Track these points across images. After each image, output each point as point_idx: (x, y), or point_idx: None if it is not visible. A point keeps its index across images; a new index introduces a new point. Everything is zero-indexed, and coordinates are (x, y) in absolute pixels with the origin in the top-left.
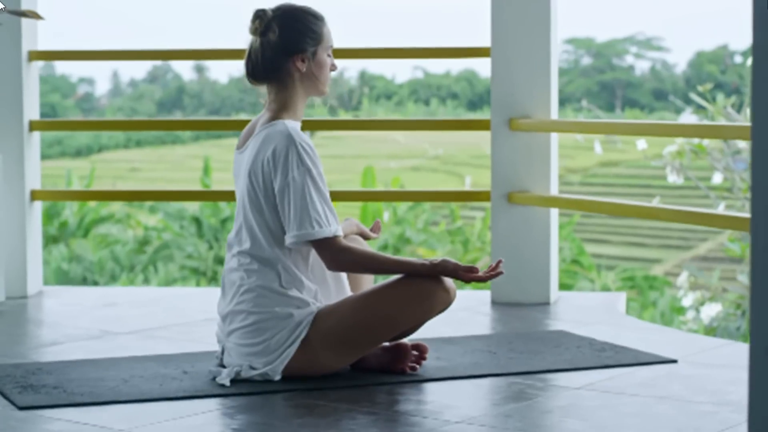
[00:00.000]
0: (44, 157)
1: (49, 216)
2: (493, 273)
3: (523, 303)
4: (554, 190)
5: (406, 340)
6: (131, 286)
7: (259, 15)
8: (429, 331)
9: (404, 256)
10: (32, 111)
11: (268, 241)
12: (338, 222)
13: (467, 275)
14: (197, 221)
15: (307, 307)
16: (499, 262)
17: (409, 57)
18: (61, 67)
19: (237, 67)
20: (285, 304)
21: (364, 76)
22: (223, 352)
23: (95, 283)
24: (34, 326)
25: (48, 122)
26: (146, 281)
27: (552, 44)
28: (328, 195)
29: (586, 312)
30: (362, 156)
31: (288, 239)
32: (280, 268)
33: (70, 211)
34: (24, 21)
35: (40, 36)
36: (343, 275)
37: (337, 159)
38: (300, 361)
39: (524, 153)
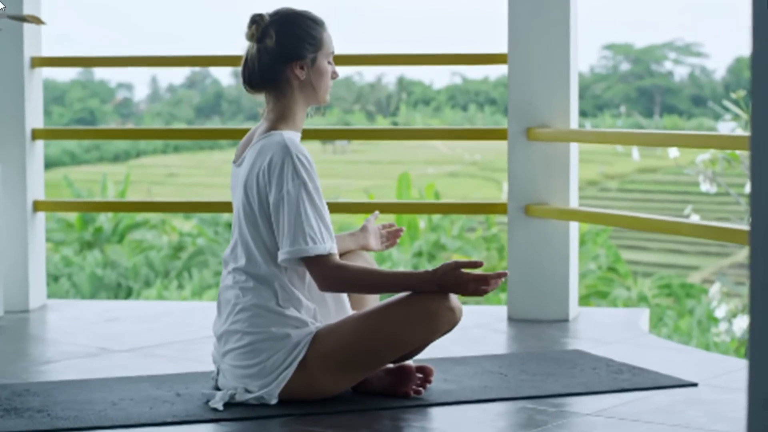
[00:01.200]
0: (82, 162)
1: (84, 222)
2: (495, 279)
3: (540, 320)
4: (574, 202)
5: (410, 362)
6: (160, 294)
7: (256, 20)
8: (439, 350)
9: (409, 269)
10: (35, 119)
11: (264, 258)
12: (333, 239)
13: (470, 287)
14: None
15: (305, 328)
16: (503, 274)
17: (423, 63)
18: (100, 72)
19: None
20: (282, 324)
21: (402, 82)
22: (218, 374)
23: (129, 289)
24: (31, 343)
25: (51, 131)
26: (180, 287)
27: (572, 50)
28: (324, 210)
29: (606, 329)
30: (400, 162)
31: (281, 255)
32: (277, 286)
33: (105, 216)
34: (26, 26)
35: (45, 42)
36: (344, 294)
37: (375, 165)
38: (297, 384)
39: (542, 164)
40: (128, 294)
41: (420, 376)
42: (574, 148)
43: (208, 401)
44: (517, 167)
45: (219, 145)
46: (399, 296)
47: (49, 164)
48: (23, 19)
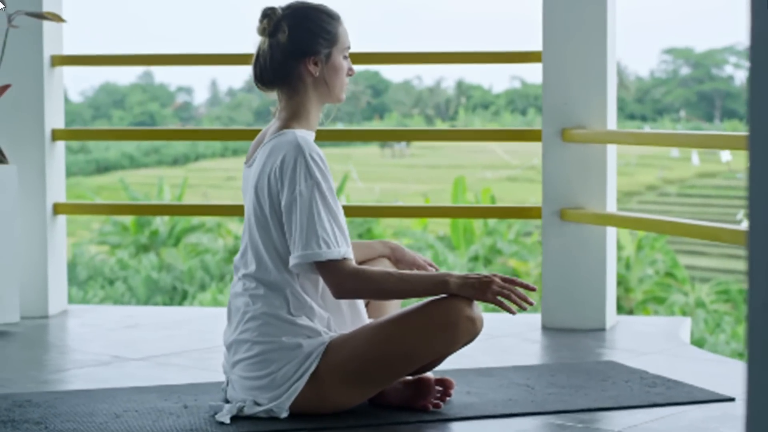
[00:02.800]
0: (141, 165)
1: (140, 225)
2: (521, 286)
3: (576, 329)
4: (611, 206)
5: (430, 374)
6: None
7: (268, 14)
8: (465, 360)
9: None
10: (56, 119)
11: (275, 264)
12: (348, 243)
13: (494, 286)
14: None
15: (317, 337)
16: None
17: (454, 62)
18: (160, 76)
19: None
20: (293, 333)
21: (461, 86)
22: (228, 385)
23: (184, 292)
24: (43, 350)
25: (72, 131)
26: None
27: (609, 47)
28: (339, 212)
29: (644, 339)
30: (459, 166)
31: (292, 260)
32: (289, 294)
33: (161, 220)
34: (46, 24)
35: (69, 41)
36: (361, 301)
37: (434, 169)
38: (309, 396)
39: (578, 166)
40: (183, 297)
41: (439, 388)
42: (612, 150)
43: (215, 414)
44: (552, 170)
45: None
46: (416, 305)
47: (108, 167)
48: (41, 16)
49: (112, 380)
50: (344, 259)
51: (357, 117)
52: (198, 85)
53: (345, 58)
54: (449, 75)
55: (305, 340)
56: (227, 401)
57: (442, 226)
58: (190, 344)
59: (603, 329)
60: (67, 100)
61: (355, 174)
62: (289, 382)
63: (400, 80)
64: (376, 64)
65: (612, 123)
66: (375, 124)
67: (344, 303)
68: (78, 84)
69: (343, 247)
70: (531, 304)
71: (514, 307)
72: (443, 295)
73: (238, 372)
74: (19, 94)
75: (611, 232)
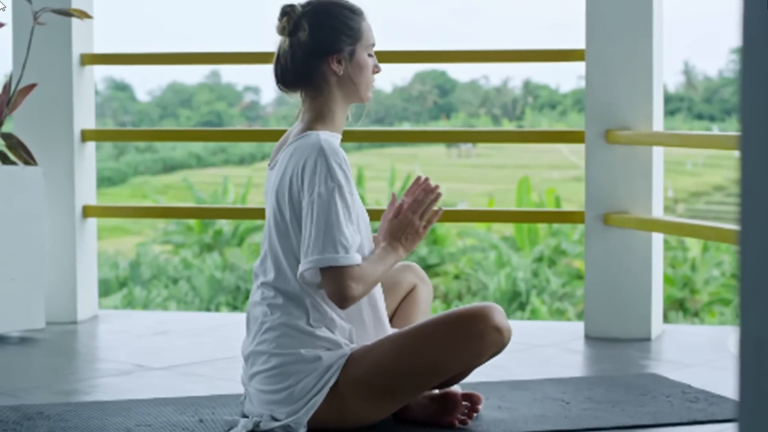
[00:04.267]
0: (208, 164)
1: (204, 224)
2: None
3: (620, 338)
4: (657, 211)
5: (457, 388)
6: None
7: (287, 12)
8: (499, 371)
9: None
10: (85, 119)
11: (295, 272)
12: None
13: (416, 223)
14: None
15: (338, 349)
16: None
17: (495, 60)
18: (227, 75)
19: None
20: (312, 345)
21: (528, 86)
22: (245, 398)
23: (248, 292)
24: (65, 358)
25: (102, 132)
26: None
27: (655, 44)
28: (362, 217)
29: (690, 350)
30: (525, 166)
31: (304, 265)
32: (308, 304)
33: (225, 219)
34: (75, 22)
35: (102, 40)
36: (384, 311)
37: (500, 169)
38: (329, 411)
39: (623, 169)
40: (246, 297)
41: (467, 404)
42: (658, 152)
43: (230, 429)
44: (596, 173)
45: (344, 147)
46: (440, 314)
47: (175, 166)
48: (67, 13)
49: (130, 391)
50: (358, 266)
51: (424, 117)
52: (265, 84)
53: (370, 55)
54: (516, 74)
55: (325, 352)
56: (244, 415)
57: (506, 226)
58: (217, 353)
59: (648, 339)
60: (134, 100)
61: (419, 174)
62: (308, 396)
63: (466, 80)
64: (407, 62)
65: (658, 124)
66: (442, 124)
67: (366, 313)
68: (146, 83)
69: (358, 254)
70: (437, 192)
71: (436, 207)
72: (469, 305)
73: (255, 385)
74: (47, 94)
75: (657, 238)
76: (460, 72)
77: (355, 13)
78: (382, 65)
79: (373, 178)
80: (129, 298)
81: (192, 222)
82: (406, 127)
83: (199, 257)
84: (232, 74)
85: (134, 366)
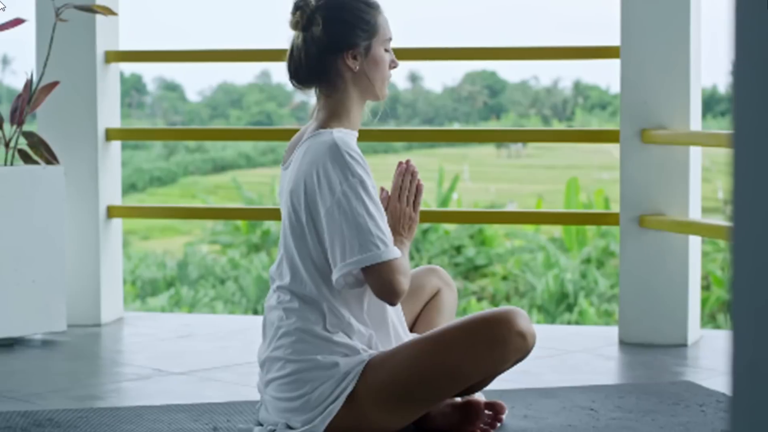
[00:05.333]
0: (257, 164)
1: (251, 225)
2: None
3: (655, 344)
4: (694, 213)
5: (481, 396)
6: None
7: (300, 6)
8: (529, 378)
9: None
10: (110, 118)
11: (312, 276)
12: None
13: (406, 211)
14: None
15: (356, 355)
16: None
17: (529, 58)
18: (278, 75)
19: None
20: (329, 350)
21: (578, 87)
22: (261, 406)
23: None
24: (84, 362)
25: (127, 131)
26: None
27: (692, 41)
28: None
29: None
30: (574, 167)
31: (342, 268)
32: (325, 308)
33: (256, 220)
34: (100, 19)
35: (128, 36)
36: (402, 315)
37: (550, 170)
38: (346, 419)
39: (659, 170)
40: None
41: (489, 413)
42: (695, 152)
43: None
44: (631, 173)
45: (393, 148)
46: (461, 320)
47: (225, 167)
48: (90, 9)
49: (146, 397)
50: (400, 258)
51: (474, 117)
52: None
53: (387, 50)
54: (566, 75)
55: (342, 358)
56: (259, 423)
57: (555, 227)
58: (239, 357)
59: (684, 345)
60: (184, 100)
61: (467, 174)
62: (324, 404)
63: (517, 80)
64: (430, 59)
65: (696, 123)
66: (492, 125)
67: (390, 318)
68: (196, 83)
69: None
70: (413, 170)
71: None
72: (491, 309)
73: (270, 392)
74: (70, 92)
75: (694, 240)
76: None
77: (371, 6)
78: (428, 63)
79: (421, 178)
80: (176, 298)
81: (239, 222)
82: (456, 126)
83: (247, 257)
84: (283, 75)
85: (153, 371)
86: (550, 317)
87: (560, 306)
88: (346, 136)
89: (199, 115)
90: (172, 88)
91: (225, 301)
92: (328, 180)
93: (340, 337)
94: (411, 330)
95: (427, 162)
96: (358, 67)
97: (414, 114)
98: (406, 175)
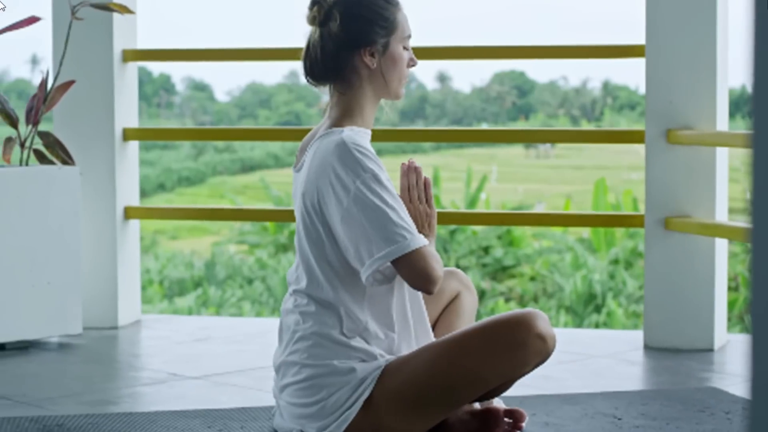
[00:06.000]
0: (286, 164)
1: (279, 225)
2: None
3: (681, 349)
4: (721, 215)
5: (500, 402)
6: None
7: (318, 1)
8: (551, 383)
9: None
10: (127, 118)
11: (328, 279)
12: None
13: (420, 208)
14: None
15: (373, 361)
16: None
17: (554, 57)
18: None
19: (480, 77)
20: (346, 355)
21: (607, 87)
22: (276, 411)
23: None
24: (99, 365)
25: (144, 131)
26: None
27: (719, 40)
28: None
29: None
30: (603, 167)
31: (372, 265)
32: (342, 312)
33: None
34: (117, 17)
35: (147, 35)
36: (426, 316)
37: (578, 170)
38: (363, 426)
39: (685, 171)
40: None
41: (509, 420)
42: (722, 153)
43: None
44: (656, 175)
45: (422, 148)
46: (479, 323)
47: (253, 167)
48: (107, 7)
49: (160, 402)
50: (426, 245)
51: (502, 117)
52: None
53: (405, 48)
54: (595, 75)
55: (359, 363)
56: (274, 430)
57: (583, 228)
58: (256, 361)
59: (711, 350)
60: (213, 100)
61: (494, 175)
62: (341, 410)
63: (545, 81)
64: (453, 59)
65: (722, 123)
66: (520, 125)
67: (412, 319)
68: (225, 83)
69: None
70: (414, 167)
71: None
72: (510, 311)
73: (286, 398)
74: (87, 91)
75: (721, 243)
76: (538, 73)
77: (390, 3)
78: (456, 63)
79: (449, 179)
80: (203, 298)
81: (267, 222)
82: (484, 127)
83: (274, 258)
84: None
85: (169, 375)
86: (578, 318)
87: (588, 307)
88: (356, 134)
89: (227, 115)
90: (200, 88)
91: (252, 301)
92: (340, 180)
93: (358, 342)
94: None
95: (455, 162)
96: (375, 65)
97: (442, 114)
98: (410, 173)
